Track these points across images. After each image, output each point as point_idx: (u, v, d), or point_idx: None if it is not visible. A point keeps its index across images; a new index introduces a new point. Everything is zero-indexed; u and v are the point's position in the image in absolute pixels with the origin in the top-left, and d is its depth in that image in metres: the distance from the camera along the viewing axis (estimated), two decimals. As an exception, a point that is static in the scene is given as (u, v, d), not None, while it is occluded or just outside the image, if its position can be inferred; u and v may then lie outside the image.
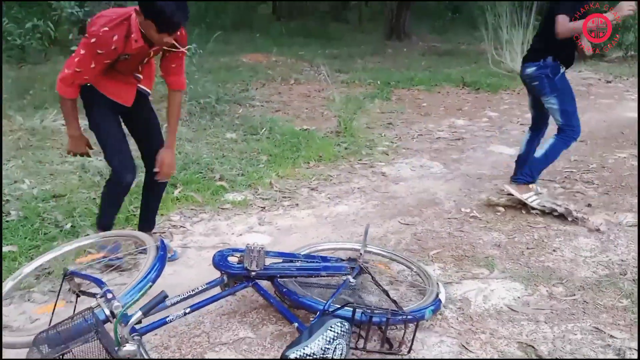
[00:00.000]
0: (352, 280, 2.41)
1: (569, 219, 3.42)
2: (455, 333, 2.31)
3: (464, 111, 6.66)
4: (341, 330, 2.00)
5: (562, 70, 3.49)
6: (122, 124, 2.72)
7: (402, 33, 14.02)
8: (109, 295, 1.98)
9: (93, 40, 2.29)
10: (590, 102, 7.12)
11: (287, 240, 3.16)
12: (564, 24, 3.24)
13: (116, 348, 1.76)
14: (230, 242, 3.14)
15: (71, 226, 3.14)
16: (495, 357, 2.15)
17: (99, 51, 2.31)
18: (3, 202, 3.38)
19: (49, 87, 6.24)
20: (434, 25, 16.32)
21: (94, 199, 3.54)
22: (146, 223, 3.00)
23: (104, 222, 2.81)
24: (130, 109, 2.64)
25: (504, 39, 9.16)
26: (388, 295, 2.33)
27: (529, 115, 4.07)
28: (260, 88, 7.51)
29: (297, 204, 3.70)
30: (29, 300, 2.49)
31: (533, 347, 2.21)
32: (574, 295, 2.60)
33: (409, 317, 2.18)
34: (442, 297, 2.42)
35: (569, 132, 3.53)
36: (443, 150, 5.01)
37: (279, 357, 2.00)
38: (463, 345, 2.22)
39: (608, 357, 2.16)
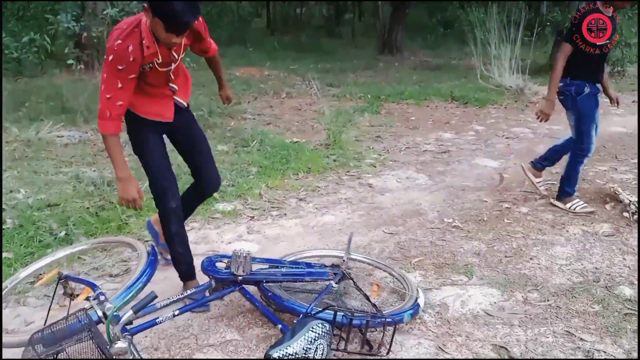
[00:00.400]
0: (334, 285, 2.52)
1: (624, 214, 3.76)
2: (432, 336, 2.42)
3: (451, 125, 6.81)
4: (322, 331, 2.11)
5: (586, 90, 3.62)
6: (168, 142, 2.64)
7: (394, 48, 14.27)
8: (102, 297, 2.08)
9: (110, 57, 2.15)
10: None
11: (275, 249, 3.27)
12: (561, 53, 3.61)
13: (108, 346, 1.87)
14: (220, 250, 3.24)
15: (65, 234, 3.25)
16: (470, 358, 2.26)
17: (119, 67, 2.16)
18: (-1, 211, 3.48)
19: (45, 99, 6.38)
20: (426, 40, 16.60)
21: (87, 208, 3.64)
22: None
23: (175, 257, 2.67)
24: (172, 124, 2.55)
25: (493, 55, 9.35)
26: (368, 299, 2.45)
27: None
28: (253, 101, 7.66)
29: (285, 214, 3.82)
30: (23, 304, 2.58)
31: (506, 348, 2.32)
32: (548, 300, 2.71)
33: (387, 319, 2.29)
34: (420, 301, 2.53)
35: (579, 148, 3.79)
36: (429, 163, 5.15)
37: (263, 357, 2.10)
38: (440, 347, 2.33)
39: (577, 358, 2.27)
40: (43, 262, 2.48)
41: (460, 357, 2.27)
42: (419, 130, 6.46)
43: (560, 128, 6.60)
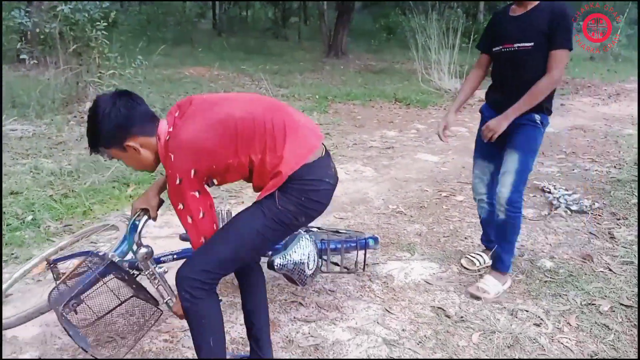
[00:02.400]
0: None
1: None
2: (380, 301, 2.74)
3: (395, 123, 7.25)
4: (310, 241, 2.24)
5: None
6: None
7: (339, 51, 14.73)
8: (101, 253, 2.25)
9: None
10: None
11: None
12: None
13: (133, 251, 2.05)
14: (180, 232, 3.45)
15: (32, 218, 3.37)
16: (412, 318, 2.60)
17: None
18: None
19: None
20: (370, 45, 17.15)
21: (50, 195, 3.76)
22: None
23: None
24: None
25: (433, 60, 9.92)
26: (337, 231, 2.80)
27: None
28: (204, 99, 7.81)
29: (243, 202, 4.06)
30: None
31: (443, 309, 2.68)
32: (480, 271, 3.10)
33: (360, 240, 2.71)
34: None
35: None
36: (375, 158, 5.52)
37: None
38: (386, 310, 2.66)
39: (503, 316, 2.66)
40: (34, 262, 2.61)
41: (404, 317, 2.60)
42: (365, 129, 6.85)
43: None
